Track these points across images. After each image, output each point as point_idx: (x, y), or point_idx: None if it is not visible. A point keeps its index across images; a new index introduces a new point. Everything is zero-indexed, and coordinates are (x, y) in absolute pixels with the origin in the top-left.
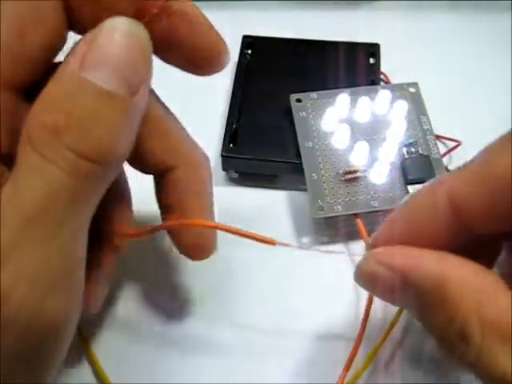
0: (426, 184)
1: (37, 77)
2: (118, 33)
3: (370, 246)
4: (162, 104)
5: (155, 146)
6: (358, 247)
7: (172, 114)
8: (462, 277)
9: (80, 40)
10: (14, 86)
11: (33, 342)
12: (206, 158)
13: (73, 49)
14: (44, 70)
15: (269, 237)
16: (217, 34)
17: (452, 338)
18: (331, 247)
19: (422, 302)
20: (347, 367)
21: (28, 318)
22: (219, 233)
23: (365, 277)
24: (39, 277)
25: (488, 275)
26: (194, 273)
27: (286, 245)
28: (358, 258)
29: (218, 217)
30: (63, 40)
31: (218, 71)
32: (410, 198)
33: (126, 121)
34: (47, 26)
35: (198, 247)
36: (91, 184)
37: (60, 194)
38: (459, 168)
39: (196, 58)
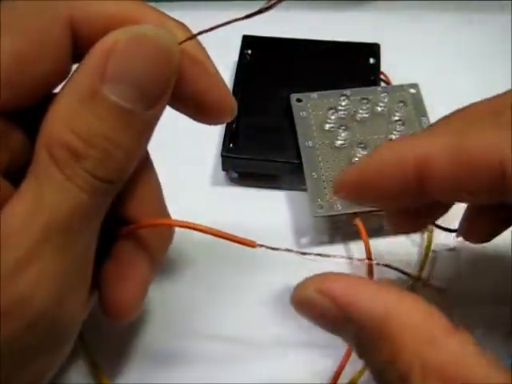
0: (398, 138)
1: (34, 104)
2: (147, 43)
3: (337, 183)
4: (152, 165)
5: (129, 204)
6: (356, 248)
7: (154, 171)
8: (409, 317)
9: (99, 43)
10: (9, 111)
11: (50, 340)
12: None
13: (91, 53)
14: (42, 99)
15: (249, 239)
16: (225, 84)
17: (390, 379)
18: (331, 247)
19: (362, 338)
20: (340, 370)
21: (48, 320)
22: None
23: (301, 304)
24: (59, 281)
25: (437, 316)
26: (185, 278)
27: (266, 247)
28: (345, 262)
29: (218, 217)
30: (66, 73)
31: (223, 123)
32: (381, 148)
33: (142, 138)
34: (50, 60)
35: (123, 306)
36: (106, 198)
37: (79, 209)
38: (433, 130)
39: (205, 108)
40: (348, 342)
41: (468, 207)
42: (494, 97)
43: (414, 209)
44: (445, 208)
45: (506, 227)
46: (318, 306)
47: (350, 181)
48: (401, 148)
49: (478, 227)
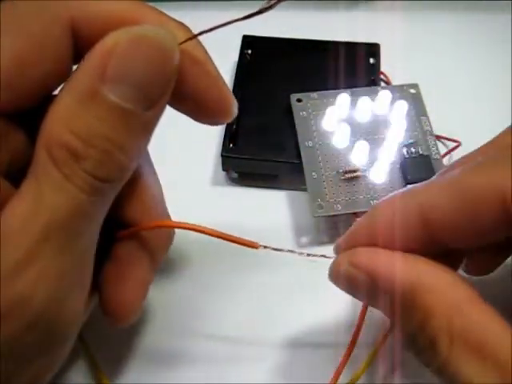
0: (395, 193)
1: (34, 105)
2: (147, 44)
3: (335, 250)
4: (152, 166)
5: (129, 207)
6: None
7: (155, 173)
8: (436, 286)
9: (100, 44)
10: (9, 112)
11: (50, 340)
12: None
13: (91, 54)
14: (43, 100)
15: (251, 240)
16: (225, 84)
17: (421, 344)
18: (331, 247)
19: (394, 307)
20: (340, 369)
21: (48, 320)
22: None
23: (338, 278)
24: (59, 281)
25: (463, 286)
26: (182, 280)
27: (268, 248)
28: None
29: (218, 217)
30: (67, 73)
31: (223, 123)
32: (377, 206)
33: (142, 138)
34: (50, 60)
35: (124, 308)
36: (106, 198)
37: (78, 209)
38: (429, 181)
39: (205, 108)
40: (382, 311)
41: None
42: (494, 138)
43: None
44: (460, 258)
45: (505, 258)
46: (353, 278)
47: (356, 240)
48: (404, 199)
49: (478, 264)
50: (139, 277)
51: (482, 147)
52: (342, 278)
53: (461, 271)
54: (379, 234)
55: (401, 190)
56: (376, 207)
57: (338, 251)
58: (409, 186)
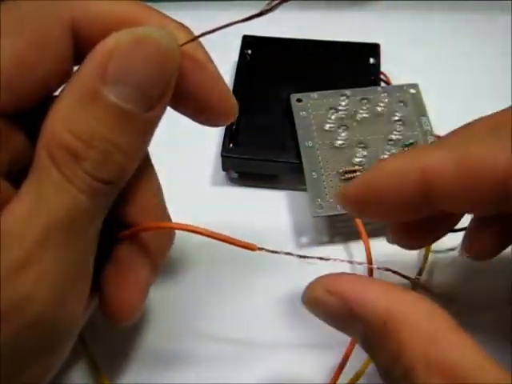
0: (405, 151)
1: (35, 106)
2: (148, 44)
3: (340, 195)
4: (152, 167)
5: (130, 208)
6: (356, 248)
7: (155, 174)
8: (411, 315)
9: (100, 44)
10: (10, 113)
11: (50, 341)
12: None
13: (91, 54)
14: (44, 101)
15: (248, 243)
16: (226, 85)
17: (396, 374)
18: (331, 247)
19: (368, 335)
20: (340, 369)
21: (48, 320)
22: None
23: (312, 303)
24: (58, 282)
25: (439, 315)
26: (181, 282)
27: (266, 250)
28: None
29: (218, 217)
30: (67, 74)
31: (224, 124)
32: (386, 160)
33: (143, 139)
34: (51, 61)
35: (125, 307)
36: (106, 199)
37: (78, 210)
38: (438, 143)
39: (206, 110)
40: (356, 340)
41: (471, 223)
42: (493, 114)
43: (419, 223)
44: (451, 222)
45: (507, 245)
46: (327, 305)
47: (354, 193)
48: (406, 160)
49: (481, 243)
50: (140, 278)
51: (480, 120)
52: (316, 303)
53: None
54: (377, 189)
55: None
56: (379, 162)
57: (337, 200)
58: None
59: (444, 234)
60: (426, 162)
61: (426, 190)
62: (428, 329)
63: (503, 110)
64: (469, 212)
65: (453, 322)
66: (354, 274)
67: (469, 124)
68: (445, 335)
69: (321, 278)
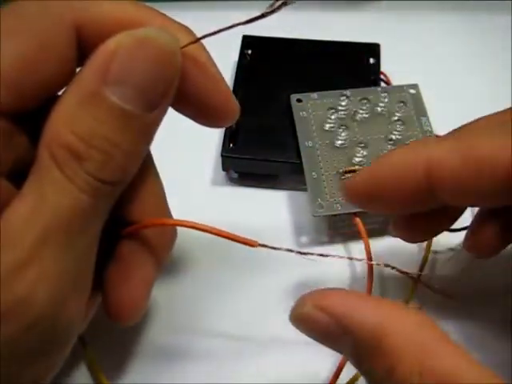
0: (412, 142)
1: (38, 106)
2: (149, 46)
3: (345, 188)
4: (154, 166)
5: (132, 207)
6: (356, 248)
7: (157, 173)
8: (403, 329)
9: (103, 45)
10: (13, 114)
11: (50, 341)
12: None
13: (93, 55)
14: (46, 101)
15: (249, 239)
16: (227, 87)
17: None
18: (331, 247)
19: (359, 351)
20: (340, 369)
21: (48, 321)
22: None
23: (300, 320)
24: (59, 282)
25: (431, 327)
26: (183, 278)
27: (267, 247)
28: (345, 262)
29: (218, 217)
30: (70, 75)
31: (225, 126)
32: (390, 152)
33: (144, 140)
34: (54, 62)
35: (128, 307)
36: (108, 199)
37: (79, 209)
38: (443, 137)
39: (207, 111)
40: (346, 356)
41: (473, 220)
42: (497, 112)
43: (422, 216)
44: (453, 216)
45: (510, 242)
46: (316, 321)
47: (359, 186)
48: (411, 152)
49: (484, 239)
50: (143, 276)
51: (484, 117)
52: (305, 320)
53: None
54: (382, 181)
55: (412, 142)
56: (385, 154)
57: (345, 193)
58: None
59: (447, 227)
60: (431, 153)
61: (431, 183)
62: (420, 340)
63: (505, 110)
64: (473, 205)
65: (443, 332)
66: (343, 290)
67: (472, 121)
68: (438, 345)
69: (309, 294)
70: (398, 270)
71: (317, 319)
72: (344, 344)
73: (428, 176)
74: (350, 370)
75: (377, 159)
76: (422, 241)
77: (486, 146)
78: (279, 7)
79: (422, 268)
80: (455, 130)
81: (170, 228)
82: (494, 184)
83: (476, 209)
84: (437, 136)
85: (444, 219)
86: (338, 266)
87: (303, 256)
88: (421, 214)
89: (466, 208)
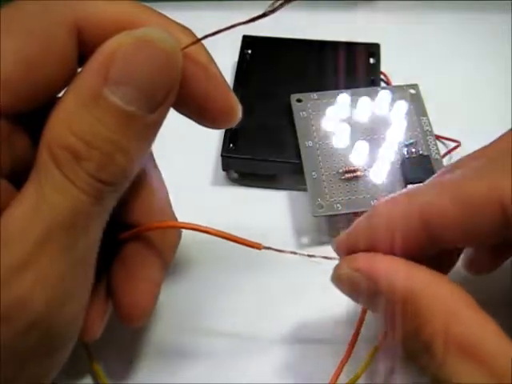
0: (393, 195)
1: (39, 107)
2: (150, 46)
3: (335, 249)
4: (156, 167)
5: (136, 209)
6: None
7: (160, 176)
8: (436, 293)
9: (103, 46)
10: (13, 114)
11: (50, 343)
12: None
13: (94, 56)
14: (47, 102)
15: (254, 241)
16: (229, 88)
17: (417, 348)
18: (330, 247)
19: (392, 310)
20: (340, 369)
21: (48, 322)
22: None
23: (339, 280)
24: (59, 283)
25: (461, 294)
26: (186, 279)
27: (272, 249)
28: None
29: (218, 217)
30: (71, 76)
31: (227, 127)
32: (377, 207)
33: (145, 141)
34: (55, 63)
35: (136, 308)
36: (108, 200)
37: (80, 210)
38: (429, 183)
39: (209, 112)
40: (379, 315)
41: None
42: (494, 141)
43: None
44: (453, 257)
45: (506, 258)
46: (353, 281)
47: (358, 246)
48: (404, 203)
49: (479, 262)
50: (150, 278)
51: (481, 149)
52: (344, 281)
53: (458, 276)
54: (379, 236)
55: (400, 191)
56: (375, 208)
57: (337, 251)
58: (409, 187)
59: (448, 270)
60: (423, 200)
61: (427, 229)
62: (449, 306)
63: (498, 139)
64: (472, 246)
65: (473, 301)
66: (379, 254)
67: (461, 159)
68: (465, 313)
69: (346, 257)
70: None
71: (355, 280)
72: (378, 303)
73: (424, 224)
74: (350, 370)
75: (368, 214)
76: None
77: (475, 187)
78: (280, 6)
79: None
80: (444, 172)
81: (174, 230)
82: (490, 224)
83: None
84: (437, 137)
85: (445, 261)
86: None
87: (308, 258)
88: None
89: (462, 251)
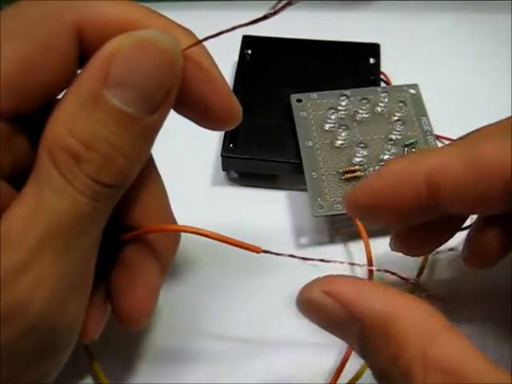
0: (413, 153)
1: (39, 109)
2: (150, 48)
3: (346, 203)
4: (156, 170)
5: (135, 211)
6: (356, 248)
7: (160, 178)
8: (410, 317)
9: (103, 48)
10: (13, 116)
11: (50, 344)
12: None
13: (94, 58)
14: (47, 104)
15: (253, 245)
16: (230, 90)
17: (394, 375)
18: (331, 247)
19: (366, 337)
20: (340, 369)
21: (48, 324)
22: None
23: (307, 305)
24: (58, 284)
25: (436, 316)
26: (186, 281)
27: (271, 253)
28: (346, 266)
29: (218, 217)
30: (72, 78)
31: (228, 129)
32: (390, 163)
33: (145, 143)
34: (55, 65)
35: (134, 312)
36: (108, 202)
37: (79, 212)
38: (443, 147)
39: (210, 114)
40: (351, 343)
41: (470, 231)
42: (499, 120)
43: (423, 229)
44: (454, 227)
45: (509, 251)
46: (322, 306)
47: (360, 200)
48: (411, 161)
49: (483, 248)
50: (150, 281)
51: (487, 126)
52: (312, 305)
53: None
54: (380, 193)
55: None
56: (386, 164)
57: (348, 208)
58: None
59: (447, 239)
60: (432, 160)
61: (432, 190)
62: (425, 329)
63: (508, 117)
64: (475, 212)
65: (447, 322)
66: (350, 276)
67: (477, 129)
68: (442, 335)
69: (317, 279)
70: (398, 276)
71: (324, 304)
72: (349, 331)
73: (429, 183)
74: (350, 370)
75: (376, 170)
76: (423, 254)
77: (489, 152)
78: (281, 8)
79: (421, 270)
80: (457, 139)
81: (173, 232)
82: (498, 189)
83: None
84: (437, 137)
85: (444, 230)
86: (338, 269)
87: (305, 262)
88: (421, 227)
89: (466, 218)
